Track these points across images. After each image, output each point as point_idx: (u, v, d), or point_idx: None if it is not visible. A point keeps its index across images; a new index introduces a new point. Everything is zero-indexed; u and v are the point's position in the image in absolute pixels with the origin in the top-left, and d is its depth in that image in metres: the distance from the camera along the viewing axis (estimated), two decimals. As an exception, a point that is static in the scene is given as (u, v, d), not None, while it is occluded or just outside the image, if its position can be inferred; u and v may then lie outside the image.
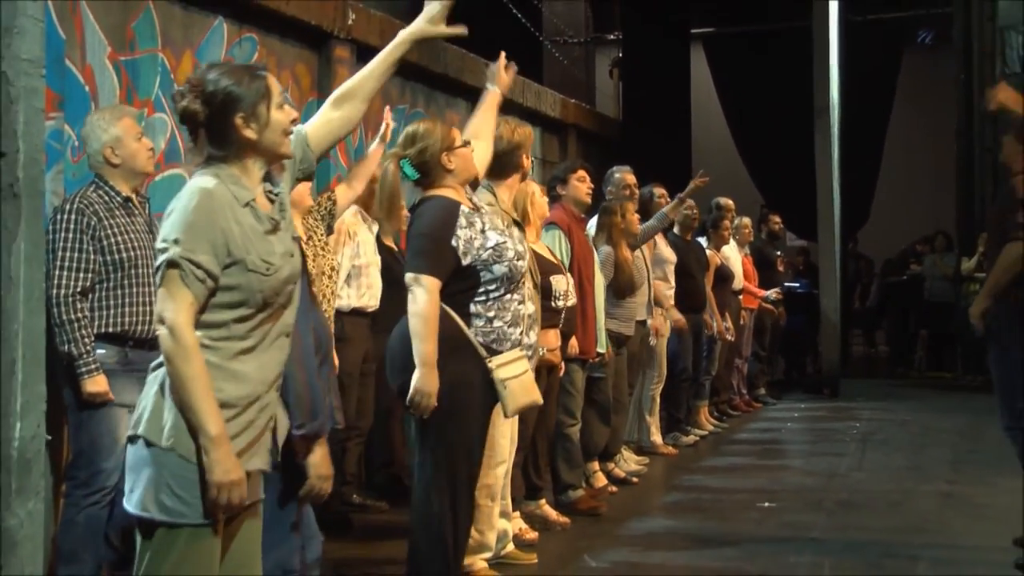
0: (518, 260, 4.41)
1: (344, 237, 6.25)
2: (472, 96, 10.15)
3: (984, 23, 13.30)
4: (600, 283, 6.90)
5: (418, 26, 3.41)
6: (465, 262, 4.31)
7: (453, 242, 4.30)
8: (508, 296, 4.39)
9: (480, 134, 4.72)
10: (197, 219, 2.78)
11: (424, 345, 4.22)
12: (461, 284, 4.33)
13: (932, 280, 14.61)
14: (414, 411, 4.25)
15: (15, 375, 2.48)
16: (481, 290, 4.35)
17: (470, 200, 4.54)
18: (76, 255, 4.37)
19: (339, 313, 6.01)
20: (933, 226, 15.36)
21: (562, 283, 5.89)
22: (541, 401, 4.52)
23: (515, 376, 4.32)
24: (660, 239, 8.55)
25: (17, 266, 2.46)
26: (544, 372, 5.76)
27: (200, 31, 6.34)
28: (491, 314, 4.36)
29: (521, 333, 4.44)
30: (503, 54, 4.82)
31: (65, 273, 4.34)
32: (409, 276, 4.30)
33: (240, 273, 2.83)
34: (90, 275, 4.40)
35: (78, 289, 4.36)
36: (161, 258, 2.78)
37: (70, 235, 4.36)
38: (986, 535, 6.06)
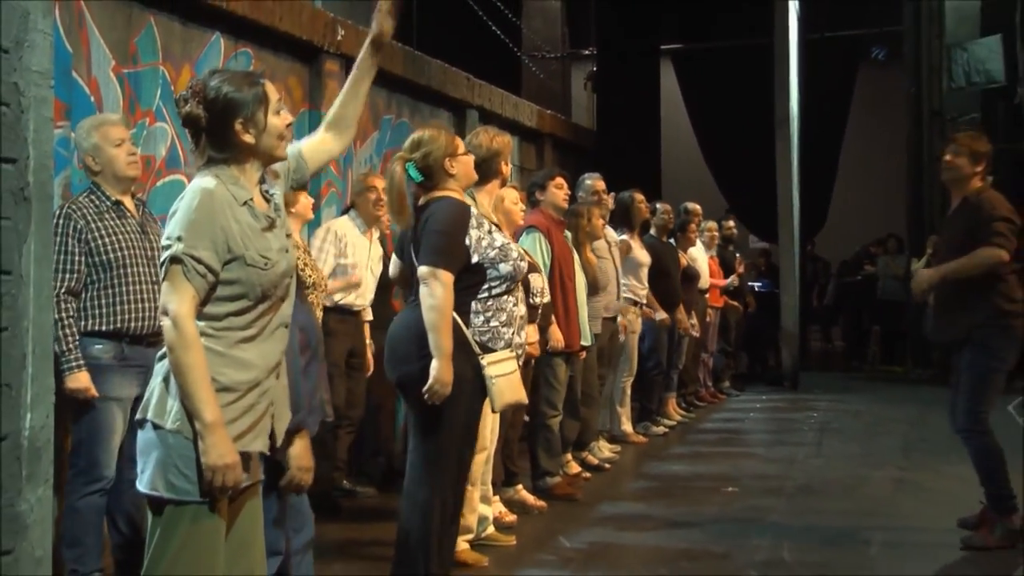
0: (521, 261, 4.44)
1: (331, 236, 6.29)
2: (454, 108, 10.19)
3: (932, 41, 13.38)
4: (581, 281, 6.91)
5: (371, 31, 3.40)
6: (474, 260, 4.33)
7: (466, 240, 4.32)
8: (507, 296, 4.40)
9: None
10: (199, 218, 2.80)
11: (441, 338, 4.19)
12: (468, 280, 4.33)
13: (884, 280, 14.68)
14: (430, 398, 4.20)
15: (26, 369, 2.48)
16: (485, 287, 4.36)
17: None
18: (62, 257, 4.34)
19: (325, 309, 6.04)
20: (885, 229, 15.42)
21: (538, 281, 5.93)
22: (526, 401, 4.51)
23: (504, 374, 4.32)
24: (635, 242, 8.56)
25: (28, 265, 2.46)
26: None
27: (198, 46, 6.33)
28: (489, 314, 4.37)
29: (513, 333, 4.44)
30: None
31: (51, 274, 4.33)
32: (425, 270, 4.26)
33: (240, 268, 2.85)
34: (75, 275, 4.37)
35: (63, 289, 4.33)
36: (165, 254, 2.81)
37: (57, 239, 4.32)
38: (934, 518, 6.09)
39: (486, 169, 5.22)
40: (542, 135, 12.49)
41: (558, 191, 6.78)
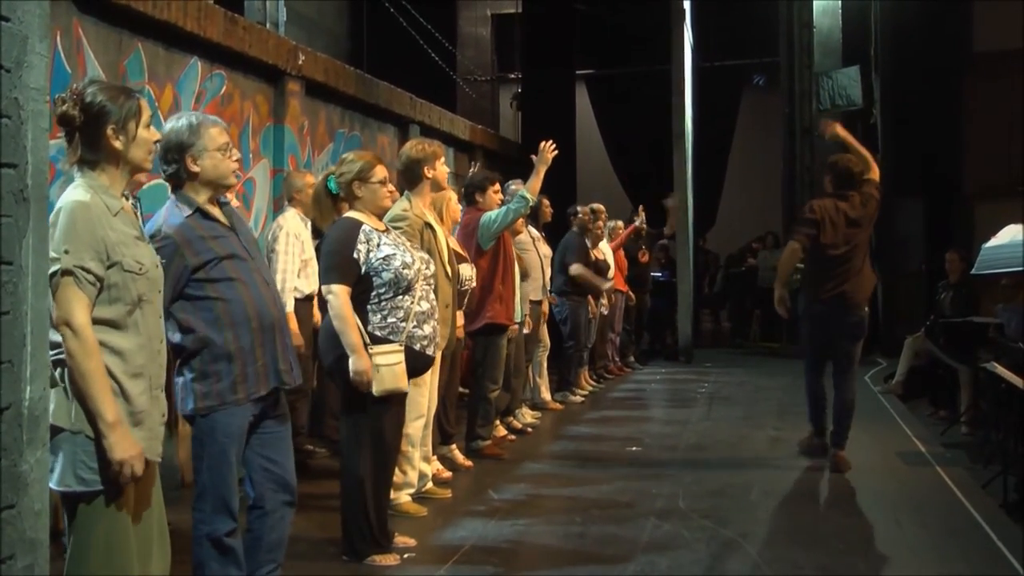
0: (404, 268, 4.33)
1: (291, 238, 6.15)
2: (398, 123, 10.14)
3: (803, 70, 13.59)
4: (518, 268, 6.94)
5: None
6: (362, 271, 4.30)
7: (355, 255, 4.28)
8: (400, 297, 4.34)
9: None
10: (80, 230, 2.68)
11: (348, 337, 4.22)
12: (359, 288, 4.31)
13: (764, 270, 14.87)
14: (358, 388, 4.23)
15: (25, 347, 2.44)
16: (374, 293, 4.32)
17: (384, 223, 4.52)
18: None
19: (297, 300, 6.04)
20: (765, 228, 15.65)
21: (467, 271, 5.89)
22: (407, 390, 4.39)
23: (387, 364, 4.27)
24: (541, 242, 8.53)
25: (27, 257, 2.42)
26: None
27: (179, 68, 6.25)
28: (385, 312, 4.32)
29: (414, 326, 4.39)
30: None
31: None
32: (324, 288, 4.30)
33: (118, 273, 2.73)
34: None
35: None
36: (55, 267, 2.62)
37: None
38: (803, 469, 6.21)
39: (413, 175, 5.25)
40: (474, 146, 12.50)
41: (496, 196, 6.78)
